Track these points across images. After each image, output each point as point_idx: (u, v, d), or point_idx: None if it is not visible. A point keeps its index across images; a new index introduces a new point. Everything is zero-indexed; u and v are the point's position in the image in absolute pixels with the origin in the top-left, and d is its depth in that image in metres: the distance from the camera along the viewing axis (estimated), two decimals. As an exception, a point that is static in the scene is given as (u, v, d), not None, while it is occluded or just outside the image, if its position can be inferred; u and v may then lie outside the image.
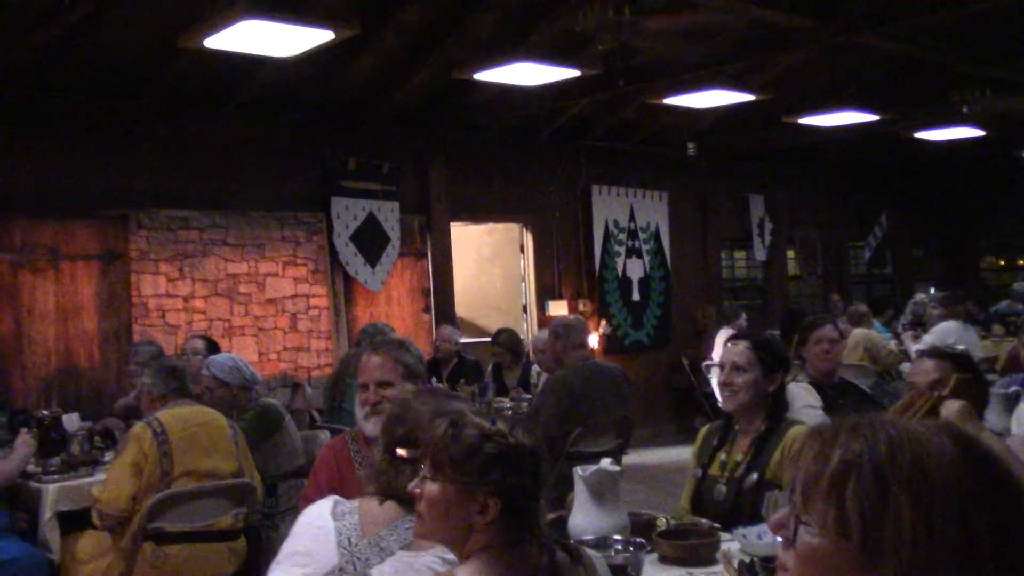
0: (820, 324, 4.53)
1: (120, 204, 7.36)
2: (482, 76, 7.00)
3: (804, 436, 1.23)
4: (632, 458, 7.04)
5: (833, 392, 4.30)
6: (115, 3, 5.98)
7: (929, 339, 8.20)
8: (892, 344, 8.82)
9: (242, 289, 7.92)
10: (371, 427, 3.04)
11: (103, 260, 7.32)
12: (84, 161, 7.23)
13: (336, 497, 2.44)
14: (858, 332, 8.21)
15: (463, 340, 8.30)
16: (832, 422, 1.22)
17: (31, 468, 4.95)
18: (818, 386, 4.27)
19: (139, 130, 7.49)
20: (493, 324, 10.38)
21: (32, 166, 7.02)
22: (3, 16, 6.09)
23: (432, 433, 2.01)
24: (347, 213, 8.46)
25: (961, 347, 4.18)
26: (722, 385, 3.33)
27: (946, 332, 8.26)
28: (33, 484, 4.79)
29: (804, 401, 4.10)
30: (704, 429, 3.54)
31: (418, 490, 1.98)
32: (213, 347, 6.39)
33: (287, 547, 2.36)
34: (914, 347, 8.52)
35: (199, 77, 7.27)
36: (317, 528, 2.34)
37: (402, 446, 2.31)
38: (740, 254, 12.63)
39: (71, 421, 5.49)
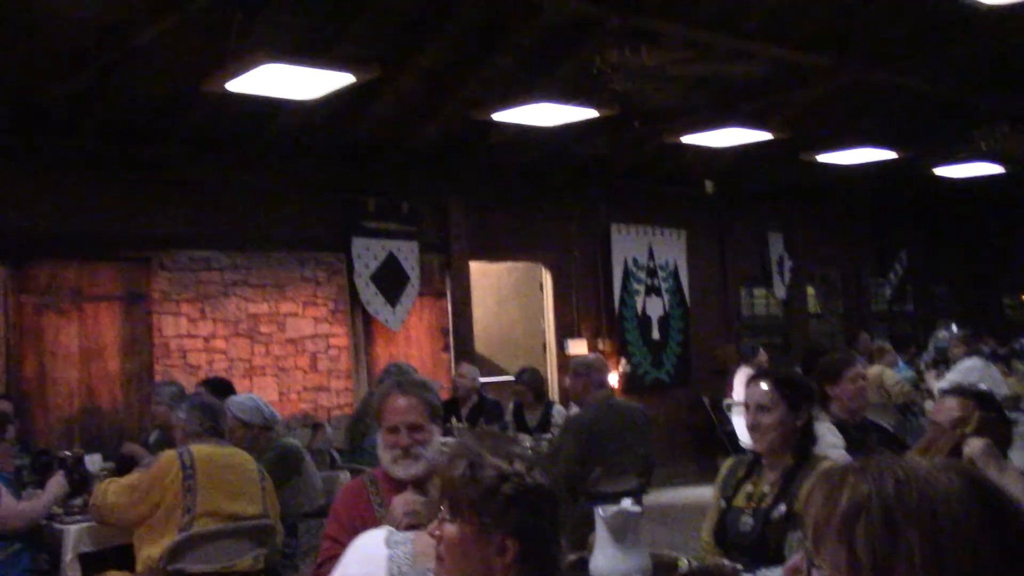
0: (852, 362, 4.49)
1: (143, 246, 7.44)
2: (500, 116, 7.07)
3: (813, 480, 1.24)
4: (653, 498, 6.99)
5: (857, 433, 4.25)
6: (141, 49, 6.08)
7: (952, 377, 8.12)
8: (906, 376, 8.76)
9: (263, 329, 7.96)
10: (402, 471, 2.98)
11: (126, 301, 7.38)
12: (108, 203, 7.33)
13: (390, 528, 2.44)
14: (874, 370, 8.17)
15: (482, 379, 8.28)
16: (839, 465, 1.23)
17: (53, 509, 4.96)
18: (841, 426, 4.22)
19: (162, 173, 7.59)
20: (512, 363, 10.37)
21: (57, 208, 7.12)
22: (32, 62, 6.21)
23: (450, 473, 2.00)
24: (367, 253, 8.51)
25: (984, 385, 4.13)
26: (750, 428, 3.30)
27: (969, 370, 8.19)
28: (56, 525, 4.80)
29: (827, 440, 4.06)
30: (728, 461, 3.49)
31: (437, 532, 1.97)
32: (223, 390, 6.35)
33: (336, 573, 2.35)
34: (937, 385, 8.46)
35: (221, 120, 7.36)
36: (369, 554, 2.33)
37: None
38: (759, 292, 12.58)
39: (93, 462, 5.51)
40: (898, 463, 1.18)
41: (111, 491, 4.28)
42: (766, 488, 3.20)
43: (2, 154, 6.92)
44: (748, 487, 3.26)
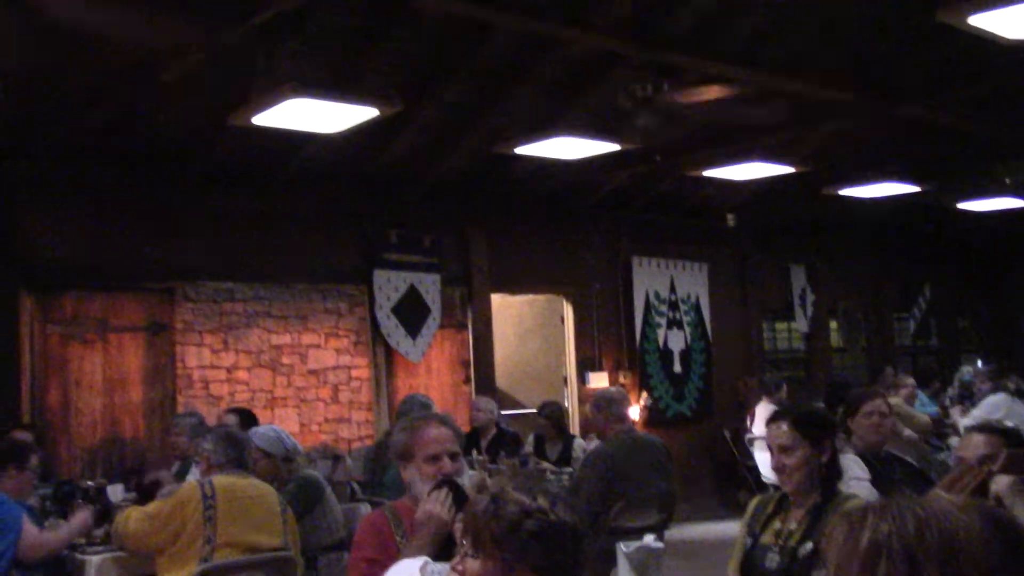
0: (871, 396, 4.48)
1: (167, 277, 7.51)
2: (522, 150, 7.10)
3: (834, 519, 1.25)
4: (674, 533, 6.94)
5: (882, 466, 4.23)
6: (168, 84, 6.16)
7: (977, 413, 8.05)
8: (930, 411, 8.67)
9: (285, 360, 7.99)
10: None
11: (149, 332, 7.43)
12: (133, 235, 7.40)
13: (427, 558, 2.43)
14: (892, 402, 8.09)
15: (503, 412, 8.28)
16: (861, 505, 1.24)
17: (76, 539, 4.98)
18: (865, 459, 4.20)
19: (186, 204, 7.67)
20: (533, 396, 10.35)
21: (83, 240, 7.19)
22: (60, 94, 6.30)
23: (473, 509, 2.00)
24: (389, 285, 8.54)
25: (1010, 422, 4.10)
26: (776, 470, 3.30)
27: (995, 406, 8.10)
28: (78, 556, 4.81)
29: (852, 473, 4.03)
30: (756, 499, 3.48)
31: (460, 568, 1.97)
32: (249, 421, 6.41)
33: None
34: (963, 421, 8.37)
35: (246, 153, 7.44)
36: None
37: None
38: (782, 325, 12.53)
39: (115, 492, 5.53)
40: (918, 502, 1.20)
41: (132, 519, 4.30)
42: (793, 525, 3.20)
43: (30, 186, 7.02)
44: (776, 524, 3.26)
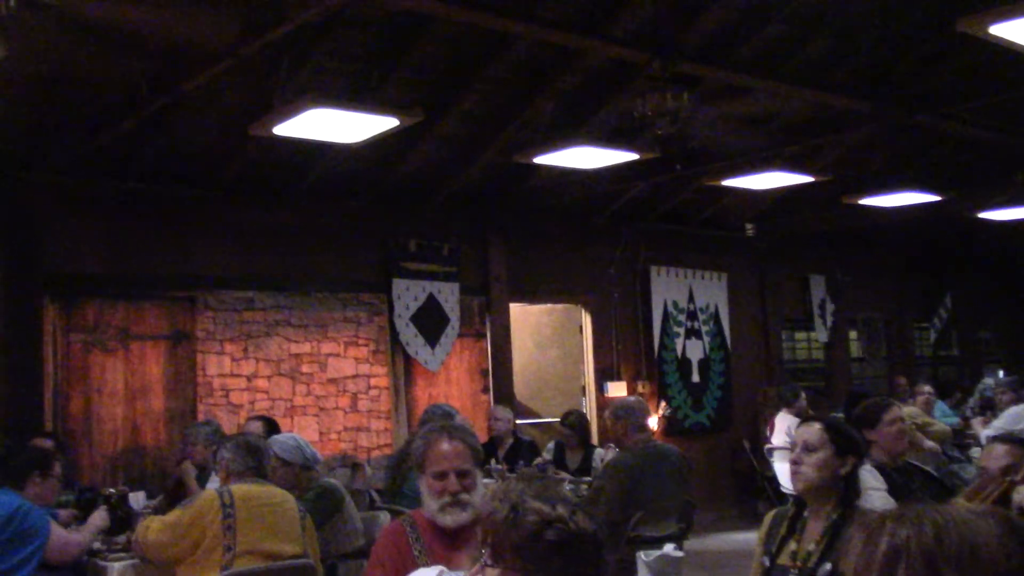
0: (889, 405, 4.46)
1: (188, 286, 7.56)
2: (542, 160, 7.11)
3: (851, 529, 1.25)
4: (693, 543, 6.93)
5: (899, 476, 4.20)
6: (189, 96, 6.22)
7: (999, 424, 7.99)
8: (951, 421, 8.61)
9: (304, 369, 8.02)
10: (450, 519, 2.94)
11: (171, 340, 7.49)
12: (154, 245, 7.46)
13: (442, 567, 2.43)
14: (907, 411, 8.04)
15: (523, 420, 8.28)
16: (877, 513, 1.25)
17: (97, 546, 5.02)
18: (883, 469, 4.18)
19: (207, 215, 7.72)
20: (551, 405, 10.36)
21: (105, 250, 7.26)
22: (83, 107, 6.37)
23: (492, 518, 1.99)
24: (407, 294, 8.57)
25: (1032, 433, 4.07)
26: (792, 464, 3.26)
27: (1017, 417, 8.04)
28: (99, 562, 4.85)
29: (867, 484, 4.00)
30: (771, 514, 3.43)
31: (478, 577, 1.96)
32: (272, 428, 6.45)
33: None
34: (984, 432, 8.31)
35: (266, 163, 7.49)
36: None
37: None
38: (801, 335, 12.48)
39: (137, 499, 5.56)
40: (936, 508, 1.20)
41: (152, 528, 4.32)
42: (811, 546, 3.13)
43: (54, 195, 7.09)
44: (792, 545, 3.19)
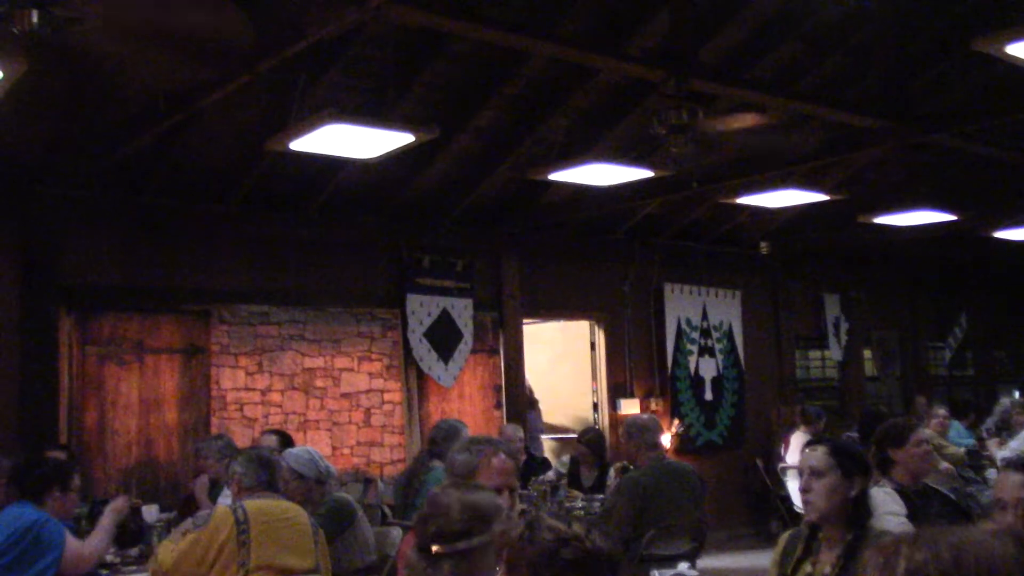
0: (916, 426, 4.41)
1: (203, 300, 7.59)
2: (556, 176, 7.13)
3: (866, 553, 1.25)
4: (705, 562, 6.90)
5: (919, 499, 4.14)
6: (207, 110, 6.26)
7: (1015, 445, 7.94)
8: (967, 443, 8.56)
9: (318, 383, 8.04)
10: None
11: (185, 354, 7.51)
12: (171, 258, 7.50)
13: None
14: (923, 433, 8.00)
15: (547, 437, 8.26)
16: (893, 536, 1.24)
17: (110, 558, 5.03)
18: (903, 493, 4.12)
19: (223, 229, 7.76)
20: (564, 422, 10.33)
21: (122, 263, 7.30)
22: (102, 121, 6.42)
23: (508, 534, 2.00)
24: (421, 310, 8.58)
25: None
26: (801, 491, 3.25)
27: (1032, 439, 8.00)
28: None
29: (887, 508, 3.95)
30: (785, 535, 3.40)
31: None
32: (287, 442, 6.45)
33: None
34: (1000, 453, 8.26)
35: (282, 178, 7.53)
36: None
37: (436, 542, 2.30)
38: (815, 354, 12.43)
39: (150, 512, 5.58)
40: (952, 530, 1.20)
41: (172, 553, 4.28)
42: (827, 569, 3.10)
43: (71, 210, 7.13)
44: (807, 567, 3.17)
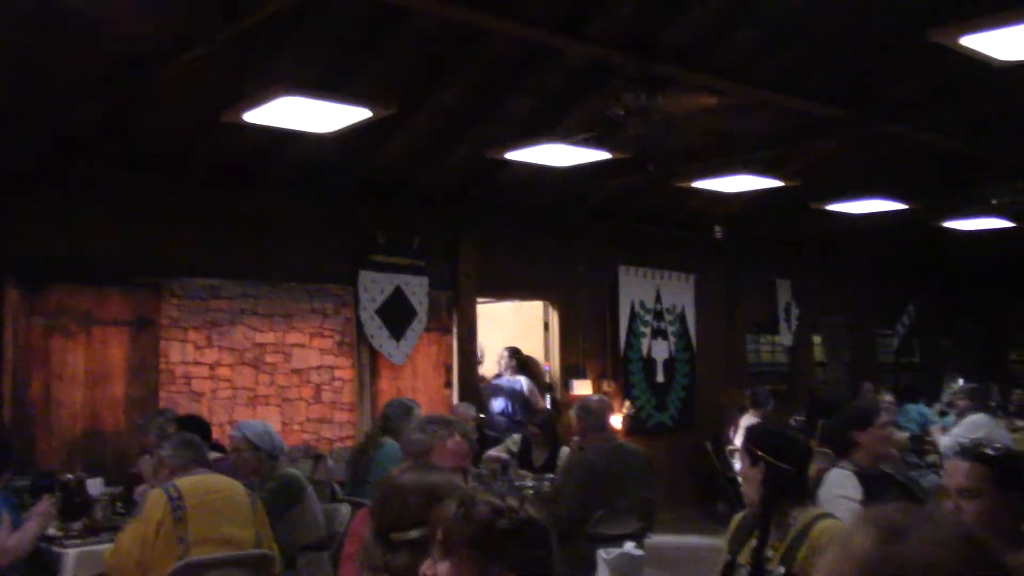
0: (879, 410, 4.48)
1: (154, 272, 7.48)
2: (514, 156, 7.11)
3: (821, 542, 1.28)
4: (653, 542, 6.97)
5: (876, 484, 4.18)
6: (161, 80, 6.15)
7: (958, 431, 8.10)
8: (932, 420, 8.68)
9: (268, 359, 7.97)
10: None
11: (134, 327, 7.40)
12: (121, 230, 7.37)
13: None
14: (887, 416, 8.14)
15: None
16: (846, 525, 1.27)
17: (52, 532, 4.96)
18: (863, 477, 4.16)
19: (176, 201, 7.64)
20: (517, 401, 10.33)
21: (70, 234, 7.16)
22: (52, 88, 6.28)
23: (441, 513, 2.00)
24: (374, 287, 8.54)
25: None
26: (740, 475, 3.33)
27: (976, 425, 8.16)
28: (55, 548, 4.79)
29: (841, 491, 3.99)
30: (739, 516, 3.48)
31: (430, 572, 1.97)
32: (202, 428, 6.02)
33: None
34: (942, 439, 8.43)
35: (237, 151, 7.42)
36: None
37: (394, 530, 2.30)
38: (766, 338, 12.58)
39: (95, 486, 5.51)
40: (903, 515, 1.22)
41: (123, 547, 4.27)
42: (770, 552, 3.16)
43: (19, 180, 6.97)
44: (752, 542, 3.24)
